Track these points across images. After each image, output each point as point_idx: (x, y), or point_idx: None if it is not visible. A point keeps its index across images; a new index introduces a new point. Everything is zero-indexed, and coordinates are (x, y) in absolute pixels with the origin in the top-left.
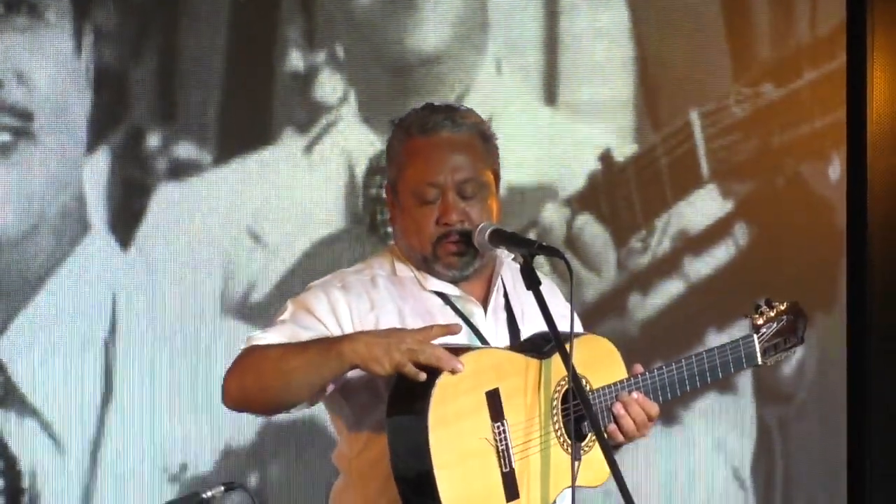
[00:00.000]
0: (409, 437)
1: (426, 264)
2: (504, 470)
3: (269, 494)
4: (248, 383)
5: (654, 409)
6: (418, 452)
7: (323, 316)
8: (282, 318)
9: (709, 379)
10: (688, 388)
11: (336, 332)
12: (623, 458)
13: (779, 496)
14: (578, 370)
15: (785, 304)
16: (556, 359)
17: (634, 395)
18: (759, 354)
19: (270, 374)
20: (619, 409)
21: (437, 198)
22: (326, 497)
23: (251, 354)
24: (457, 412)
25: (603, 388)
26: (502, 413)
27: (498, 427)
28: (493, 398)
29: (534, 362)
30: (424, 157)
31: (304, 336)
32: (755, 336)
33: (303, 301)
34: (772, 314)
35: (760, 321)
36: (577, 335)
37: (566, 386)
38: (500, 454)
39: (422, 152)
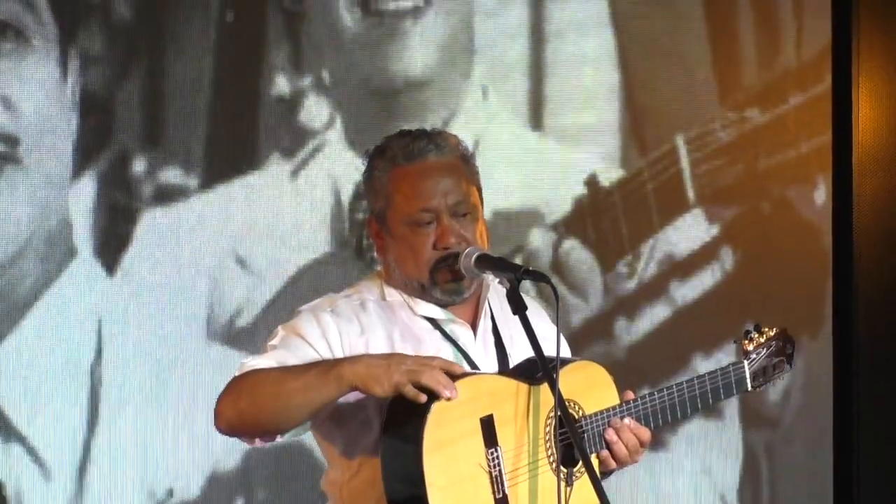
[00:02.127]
0: (404, 460)
1: (423, 291)
2: (497, 496)
3: None
4: (244, 406)
5: (646, 434)
6: (412, 476)
7: (314, 341)
8: (272, 342)
9: (699, 405)
10: (679, 414)
11: (327, 358)
12: (610, 483)
13: None
14: (570, 396)
15: (774, 329)
16: (548, 385)
17: (626, 420)
18: (748, 380)
19: (268, 396)
20: (611, 435)
21: (431, 222)
22: None
23: (246, 378)
24: (451, 437)
25: (595, 414)
26: (496, 439)
27: (492, 453)
28: (488, 424)
29: (527, 388)
30: (414, 183)
31: (295, 362)
32: (745, 362)
33: (294, 326)
34: (761, 340)
35: (750, 347)
36: (570, 361)
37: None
38: (494, 480)
39: (411, 179)
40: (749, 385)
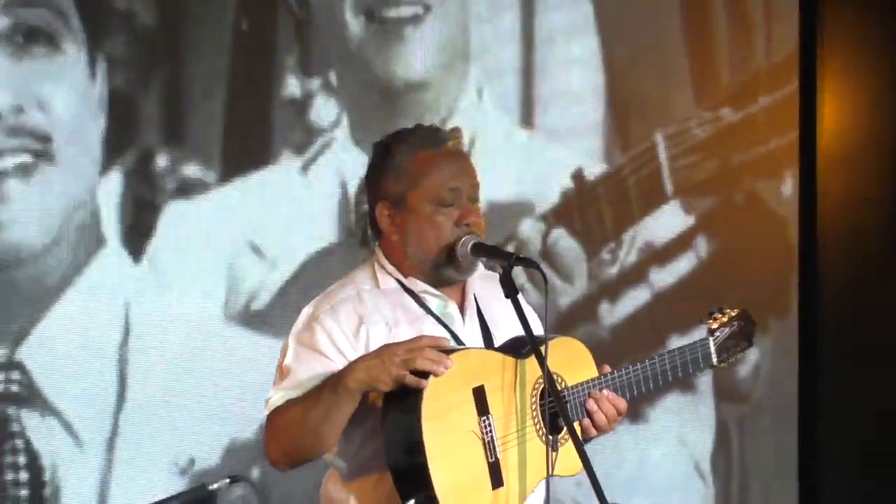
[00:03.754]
0: (404, 431)
1: (436, 269)
2: (490, 460)
3: (270, 487)
4: (288, 449)
5: (622, 404)
6: (412, 444)
7: (325, 349)
8: (287, 362)
9: (670, 378)
10: (651, 385)
11: (338, 360)
12: (594, 450)
13: (735, 486)
14: (553, 369)
15: (736, 310)
16: (534, 359)
17: (605, 392)
18: (714, 355)
19: (300, 434)
20: (591, 405)
21: (452, 203)
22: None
23: (276, 422)
24: (447, 407)
25: (576, 385)
26: (488, 408)
27: (484, 420)
28: (479, 394)
29: (514, 362)
30: (442, 165)
31: (311, 377)
32: (710, 339)
33: (302, 339)
34: (724, 319)
35: (714, 325)
36: (552, 337)
37: (543, 384)
38: (486, 445)
39: (438, 161)
40: (715, 360)
